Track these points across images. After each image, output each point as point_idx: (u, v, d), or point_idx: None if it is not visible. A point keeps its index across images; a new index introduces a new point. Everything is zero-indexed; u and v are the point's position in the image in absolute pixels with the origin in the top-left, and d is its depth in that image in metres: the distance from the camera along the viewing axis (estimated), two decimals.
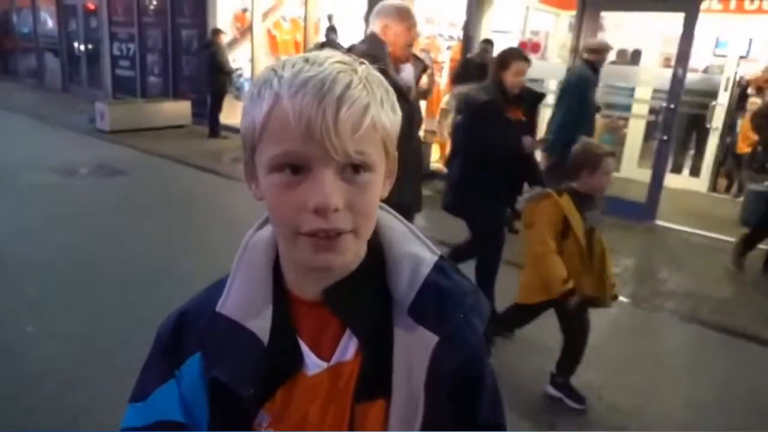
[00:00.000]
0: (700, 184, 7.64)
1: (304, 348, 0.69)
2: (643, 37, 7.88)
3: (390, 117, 0.63)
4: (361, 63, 0.63)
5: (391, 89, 0.65)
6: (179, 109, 9.80)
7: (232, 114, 9.27)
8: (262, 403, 0.68)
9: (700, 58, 7.73)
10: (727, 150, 7.56)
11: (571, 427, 2.69)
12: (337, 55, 0.62)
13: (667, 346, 3.55)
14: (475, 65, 6.04)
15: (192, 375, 0.69)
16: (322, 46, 7.73)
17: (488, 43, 6.47)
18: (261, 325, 0.68)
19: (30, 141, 8.02)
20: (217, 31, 8.78)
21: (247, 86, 9.73)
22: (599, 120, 8.13)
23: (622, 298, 4.12)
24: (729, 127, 7.48)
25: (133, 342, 3.05)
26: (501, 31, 7.98)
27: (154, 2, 10.68)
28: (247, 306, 0.69)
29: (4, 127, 8.79)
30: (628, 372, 3.20)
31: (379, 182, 0.65)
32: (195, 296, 0.77)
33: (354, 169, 0.61)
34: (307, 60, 0.61)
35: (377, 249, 0.70)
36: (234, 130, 9.31)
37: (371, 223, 0.66)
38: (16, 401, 2.59)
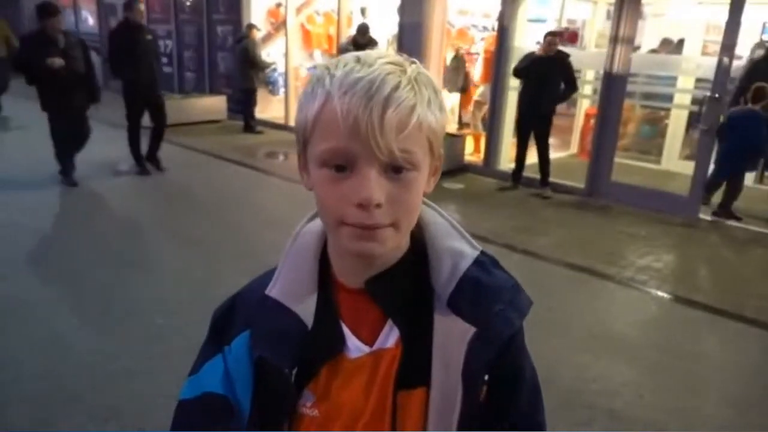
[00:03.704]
0: (748, 175, 7.33)
1: (347, 331, 0.72)
2: (686, 25, 7.62)
3: (437, 116, 0.65)
4: (412, 62, 0.65)
5: (439, 89, 0.66)
6: (215, 104, 9.94)
7: (267, 108, 9.36)
8: (306, 383, 0.72)
9: (745, 45, 7.42)
10: None
11: (608, 425, 2.64)
12: (389, 55, 0.65)
13: (709, 344, 3.44)
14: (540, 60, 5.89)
15: (240, 351, 0.74)
16: (354, 40, 7.70)
17: (554, 35, 6.14)
18: (305, 309, 0.72)
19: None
20: (250, 27, 8.86)
21: (281, 81, 9.80)
22: (638, 111, 7.96)
23: (662, 294, 4.03)
24: None
25: (169, 335, 3.13)
26: (537, 20, 7.84)
27: None
28: (294, 291, 0.74)
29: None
30: (671, 371, 3.12)
31: (423, 180, 0.67)
32: (250, 281, 0.82)
33: (397, 168, 0.63)
34: (358, 60, 0.64)
35: (420, 243, 0.74)
36: (268, 124, 9.41)
37: (412, 218, 0.69)
38: (64, 389, 2.69)
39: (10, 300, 3.52)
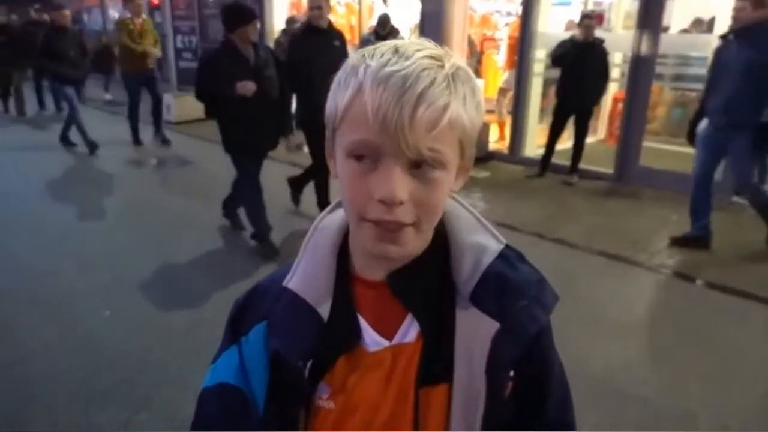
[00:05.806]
0: None
1: (364, 325, 0.71)
2: (718, 2, 7.37)
3: (471, 116, 0.63)
4: (451, 57, 0.63)
5: (477, 87, 0.64)
6: None
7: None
8: (322, 376, 0.71)
9: None
10: None
11: (639, 412, 2.60)
12: (428, 48, 0.63)
13: (744, 332, 3.35)
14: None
15: (256, 342, 0.74)
16: (375, 31, 7.66)
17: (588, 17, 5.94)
18: (322, 302, 0.72)
19: (102, 132, 8.44)
20: (288, 21, 8.63)
21: None
22: (668, 94, 7.76)
23: (695, 281, 3.94)
24: None
25: (199, 327, 3.19)
26: (561, 3, 7.68)
27: None
28: (311, 283, 0.73)
29: None
30: (703, 359, 3.05)
31: (449, 180, 0.66)
32: (272, 273, 0.82)
33: (423, 165, 0.62)
34: (396, 50, 0.62)
35: (442, 236, 0.72)
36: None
37: (435, 218, 0.68)
38: (95, 383, 2.76)
39: (46, 295, 3.63)
